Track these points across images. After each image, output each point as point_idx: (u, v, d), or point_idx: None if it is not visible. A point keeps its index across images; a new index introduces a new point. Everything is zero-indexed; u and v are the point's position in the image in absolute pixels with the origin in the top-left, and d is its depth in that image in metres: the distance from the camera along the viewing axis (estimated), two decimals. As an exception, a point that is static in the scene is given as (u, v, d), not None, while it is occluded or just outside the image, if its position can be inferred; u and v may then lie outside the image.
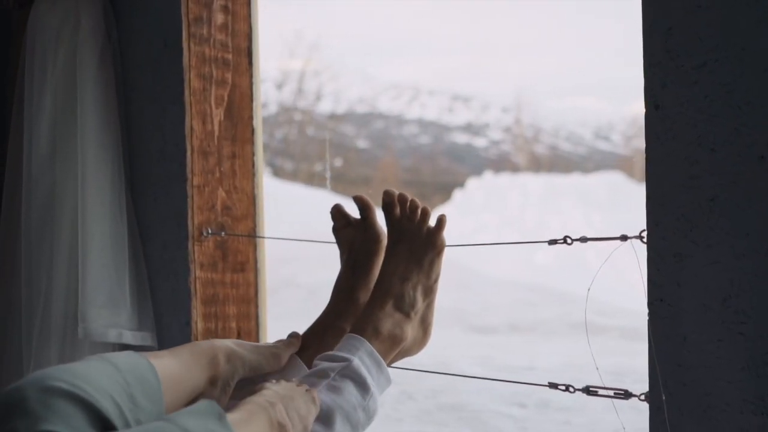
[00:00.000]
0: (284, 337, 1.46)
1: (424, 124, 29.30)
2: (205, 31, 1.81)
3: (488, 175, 18.51)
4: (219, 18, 1.83)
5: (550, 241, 1.37)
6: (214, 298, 1.82)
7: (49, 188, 1.83)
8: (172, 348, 1.25)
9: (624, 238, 1.26)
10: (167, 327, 1.81)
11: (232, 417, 1.08)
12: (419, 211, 1.53)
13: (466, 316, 4.97)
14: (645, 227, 1.20)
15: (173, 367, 1.18)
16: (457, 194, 17.60)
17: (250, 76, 1.88)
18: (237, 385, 1.38)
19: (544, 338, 4.81)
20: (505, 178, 18.22)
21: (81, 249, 1.76)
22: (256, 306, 1.89)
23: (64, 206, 1.80)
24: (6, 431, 0.90)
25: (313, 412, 1.29)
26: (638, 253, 1.22)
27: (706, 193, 1.13)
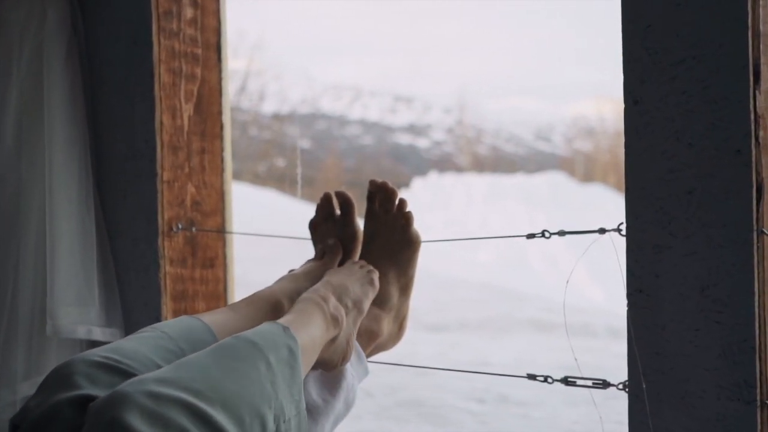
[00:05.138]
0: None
1: (366, 125, 29.29)
2: (174, 26, 1.79)
3: (433, 175, 18.59)
4: (188, 12, 1.81)
5: (528, 235, 1.39)
6: (183, 294, 1.81)
7: (16, 185, 1.79)
8: (231, 303, 1.28)
9: (602, 231, 1.28)
10: (137, 323, 1.79)
11: (287, 320, 1.12)
12: (396, 201, 1.55)
13: (417, 314, 5.00)
14: (624, 220, 1.23)
15: (230, 322, 1.21)
16: (403, 194, 17.58)
17: (219, 72, 1.88)
18: None
19: (494, 335, 4.85)
20: (450, 178, 18.31)
21: (49, 246, 1.74)
22: (225, 302, 1.88)
23: (31, 203, 1.77)
24: (55, 399, 0.93)
25: (370, 295, 1.35)
26: (616, 246, 1.25)
27: (685, 186, 1.16)
